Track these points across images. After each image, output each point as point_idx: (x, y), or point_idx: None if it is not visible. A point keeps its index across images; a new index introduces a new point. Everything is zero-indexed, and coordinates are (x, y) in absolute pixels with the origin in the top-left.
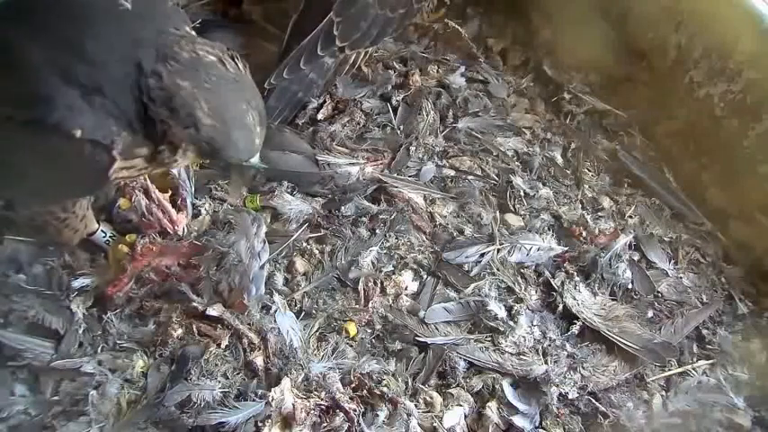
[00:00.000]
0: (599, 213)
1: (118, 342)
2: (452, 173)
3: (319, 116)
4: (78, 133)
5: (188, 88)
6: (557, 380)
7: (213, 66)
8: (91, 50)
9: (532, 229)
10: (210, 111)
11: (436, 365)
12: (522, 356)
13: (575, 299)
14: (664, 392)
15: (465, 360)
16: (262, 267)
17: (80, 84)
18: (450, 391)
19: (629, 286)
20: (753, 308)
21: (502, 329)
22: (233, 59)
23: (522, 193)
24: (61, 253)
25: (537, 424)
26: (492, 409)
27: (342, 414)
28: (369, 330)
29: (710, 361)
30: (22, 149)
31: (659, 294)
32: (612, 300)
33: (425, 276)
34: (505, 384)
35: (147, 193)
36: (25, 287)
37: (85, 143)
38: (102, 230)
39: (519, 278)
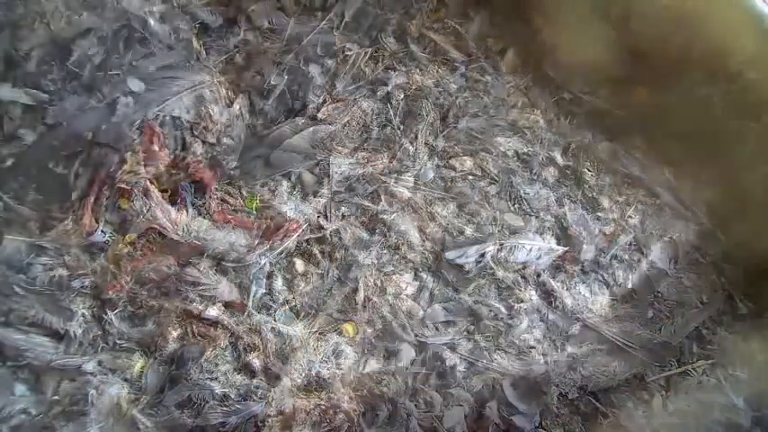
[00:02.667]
0: (599, 213)
1: (118, 342)
2: (452, 173)
3: (319, 116)
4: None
5: None
6: (556, 380)
7: None
8: None
9: (532, 229)
10: None
11: (436, 365)
12: (522, 356)
13: (575, 299)
14: (664, 392)
15: (465, 360)
16: (262, 267)
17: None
18: (450, 391)
19: (629, 286)
20: (753, 308)
21: (502, 329)
22: None
23: (522, 193)
24: (61, 253)
25: (537, 424)
26: (492, 409)
27: (342, 414)
28: (369, 330)
29: (710, 361)
30: None
31: (659, 294)
32: (613, 300)
33: (425, 276)
34: (505, 384)
35: (146, 192)
36: (25, 287)
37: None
38: (101, 230)
39: (519, 278)
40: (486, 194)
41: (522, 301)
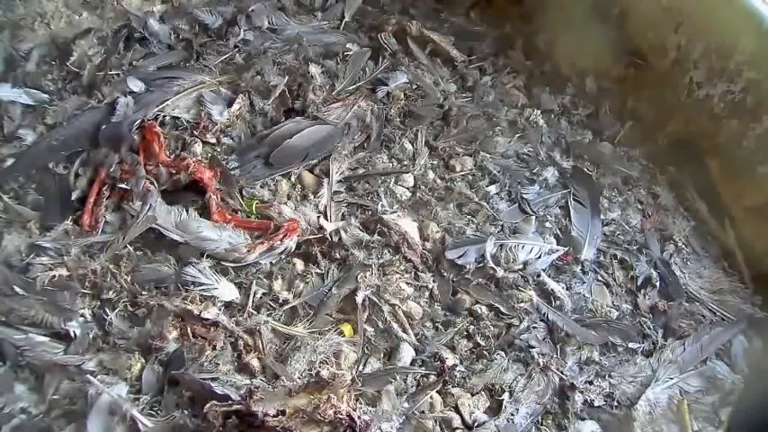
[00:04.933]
0: (599, 213)
1: (118, 342)
2: (452, 173)
3: (319, 116)
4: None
5: None
6: (556, 378)
7: None
8: None
9: (532, 229)
10: None
11: (436, 365)
12: (522, 356)
13: (575, 299)
14: None
15: (465, 360)
16: (262, 267)
17: None
18: (450, 390)
19: (630, 286)
20: (753, 308)
21: (502, 329)
22: None
23: (522, 193)
24: (61, 253)
25: (537, 422)
26: (492, 409)
27: (342, 414)
28: (368, 330)
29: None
30: None
31: (660, 294)
32: (614, 299)
33: (425, 276)
34: (505, 383)
35: (146, 192)
36: (25, 287)
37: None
38: (103, 230)
39: (519, 278)
40: (486, 194)
41: (522, 301)
